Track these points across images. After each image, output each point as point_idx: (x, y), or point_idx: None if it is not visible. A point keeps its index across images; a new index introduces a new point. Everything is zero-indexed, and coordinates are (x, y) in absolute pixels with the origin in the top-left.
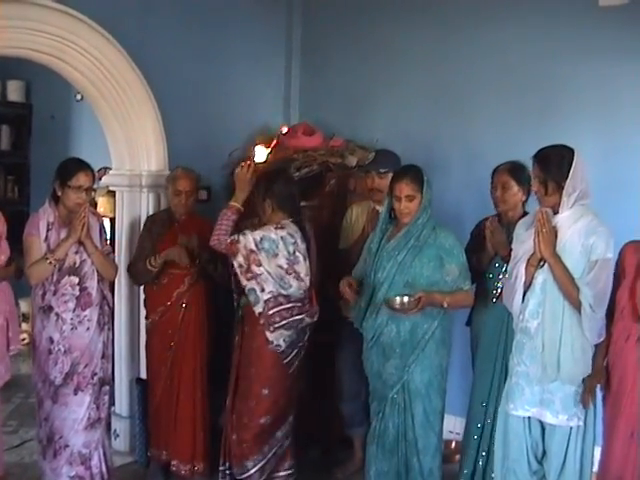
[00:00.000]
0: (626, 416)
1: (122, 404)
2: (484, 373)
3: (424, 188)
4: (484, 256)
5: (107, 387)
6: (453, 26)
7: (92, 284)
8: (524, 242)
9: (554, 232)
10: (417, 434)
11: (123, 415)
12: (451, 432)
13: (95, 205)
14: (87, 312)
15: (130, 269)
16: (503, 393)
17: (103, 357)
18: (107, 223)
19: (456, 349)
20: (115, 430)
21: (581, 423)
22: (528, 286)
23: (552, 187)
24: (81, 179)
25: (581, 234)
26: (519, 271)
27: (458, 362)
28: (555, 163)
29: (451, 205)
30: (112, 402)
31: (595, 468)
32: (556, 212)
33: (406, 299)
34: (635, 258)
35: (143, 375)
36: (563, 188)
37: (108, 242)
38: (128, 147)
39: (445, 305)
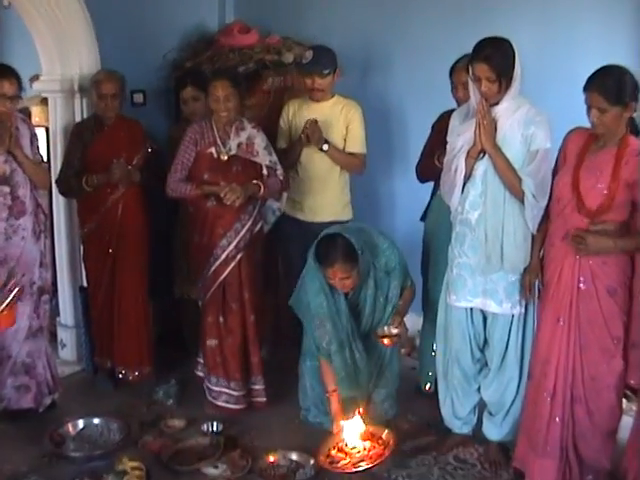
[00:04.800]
0: (553, 303)
1: (67, 314)
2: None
3: (359, 262)
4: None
5: (47, 296)
6: None
7: (25, 192)
8: (461, 134)
9: (494, 123)
10: None
11: (69, 325)
12: None
13: (29, 114)
14: (21, 221)
15: (59, 183)
16: (443, 285)
17: (41, 266)
18: (43, 133)
19: (410, 247)
20: (62, 340)
21: (523, 310)
22: (467, 178)
23: (505, 83)
24: (5, 86)
25: (520, 124)
26: (459, 163)
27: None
28: (505, 59)
29: (393, 104)
30: (57, 312)
31: None
32: (492, 104)
33: (394, 330)
34: (577, 147)
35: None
36: (511, 81)
37: (40, 150)
38: (58, 51)
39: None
